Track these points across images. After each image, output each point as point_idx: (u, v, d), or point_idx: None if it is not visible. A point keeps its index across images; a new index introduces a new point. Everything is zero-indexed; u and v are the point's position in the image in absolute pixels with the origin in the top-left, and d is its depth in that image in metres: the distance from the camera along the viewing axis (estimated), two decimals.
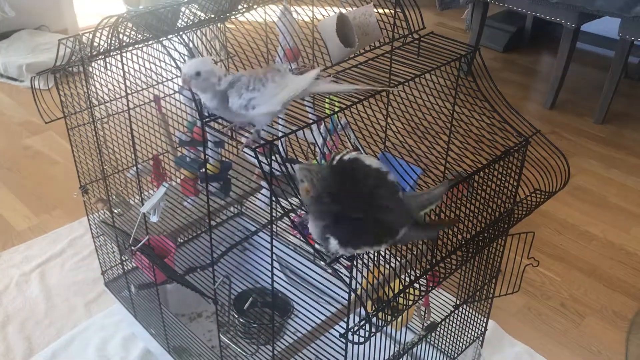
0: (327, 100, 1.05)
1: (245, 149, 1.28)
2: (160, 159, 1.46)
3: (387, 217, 0.83)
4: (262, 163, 0.86)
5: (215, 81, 0.89)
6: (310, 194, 0.82)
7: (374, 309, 0.88)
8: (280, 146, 1.02)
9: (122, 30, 1.15)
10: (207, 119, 0.95)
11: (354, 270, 0.84)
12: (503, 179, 1.08)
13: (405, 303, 0.93)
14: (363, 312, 0.86)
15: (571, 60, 2.77)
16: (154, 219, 1.20)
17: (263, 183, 1.28)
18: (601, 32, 3.08)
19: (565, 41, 2.70)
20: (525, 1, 2.70)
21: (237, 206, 1.79)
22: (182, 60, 0.98)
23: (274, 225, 1.66)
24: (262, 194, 1.30)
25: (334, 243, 0.81)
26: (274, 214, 0.95)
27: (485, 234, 1.07)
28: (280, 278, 1.09)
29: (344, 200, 0.82)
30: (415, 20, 1.15)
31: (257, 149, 0.86)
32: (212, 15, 1.18)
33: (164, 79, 1.31)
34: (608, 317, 1.78)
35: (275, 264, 1.03)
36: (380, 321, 0.91)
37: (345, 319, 0.90)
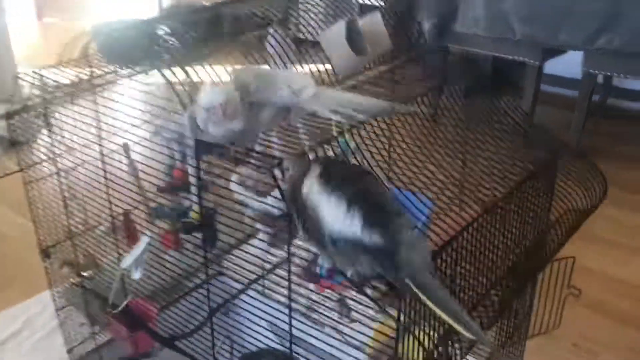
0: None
1: (234, 185, 1.14)
2: (131, 216, 1.29)
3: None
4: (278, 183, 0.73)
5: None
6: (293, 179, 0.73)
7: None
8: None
9: (92, 62, 1.01)
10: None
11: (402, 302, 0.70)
12: (535, 200, 0.97)
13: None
14: None
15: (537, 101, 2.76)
16: (136, 275, 1.03)
17: (259, 226, 1.13)
18: (563, 73, 3.11)
19: (529, 80, 2.69)
20: (487, 42, 2.69)
21: (217, 264, 1.61)
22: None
23: (263, 282, 1.50)
24: (257, 238, 1.14)
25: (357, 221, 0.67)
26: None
27: (524, 264, 0.94)
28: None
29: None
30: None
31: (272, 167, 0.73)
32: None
33: (143, 121, 1.16)
34: (623, 354, 1.67)
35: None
36: None
37: None
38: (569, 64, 2.89)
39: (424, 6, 2.73)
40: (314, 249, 0.73)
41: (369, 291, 0.73)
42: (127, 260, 1.02)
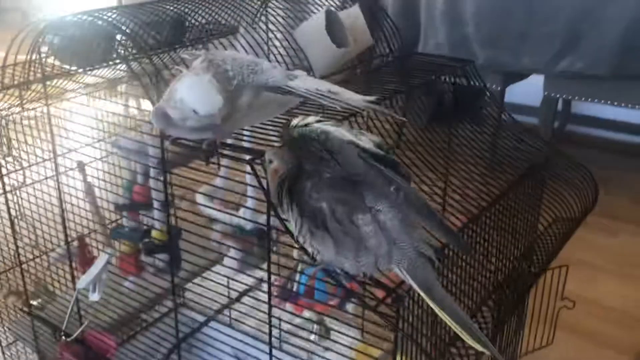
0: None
1: (201, 199, 1.05)
2: (86, 240, 1.19)
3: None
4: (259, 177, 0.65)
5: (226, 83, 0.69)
6: (279, 173, 0.66)
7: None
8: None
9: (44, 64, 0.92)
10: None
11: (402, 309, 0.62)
12: (521, 208, 0.91)
13: None
14: None
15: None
16: (94, 297, 0.92)
17: (230, 243, 1.04)
18: (522, 101, 3.13)
19: (491, 106, 2.69)
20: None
21: (179, 294, 1.50)
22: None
23: (227, 313, 1.39)
24: (227, 256, 1.05)
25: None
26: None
27: (516, 276, 0.88)
28: None
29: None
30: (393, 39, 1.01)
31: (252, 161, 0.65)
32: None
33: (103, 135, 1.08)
34: None
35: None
36: None
37: None
38: (527, 91, 2.92)
39: None
40: (309, 245, 0.65)
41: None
42: (84, 280, 0.91)
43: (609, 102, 2.43)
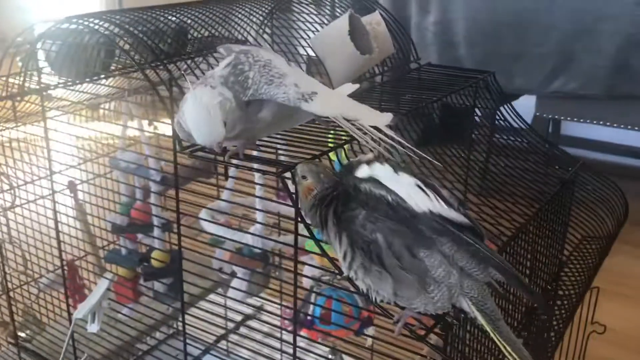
0: (331, 133, 0.79)
1: (204, 222, 0.98)
2: (76, 264, 1.11)
3: None
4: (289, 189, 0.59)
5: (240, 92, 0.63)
6: (314, 192, 0.59)
7: None
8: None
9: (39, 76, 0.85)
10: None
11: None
12: (552, 228, 0.86)
13: None
14: None
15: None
16: (93, 328, 0.85)
17: (235, 268, 0.97)
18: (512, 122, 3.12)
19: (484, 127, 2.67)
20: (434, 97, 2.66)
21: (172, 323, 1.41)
22: None
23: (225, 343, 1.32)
24: (231, 287, 0.97)
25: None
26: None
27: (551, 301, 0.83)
28: None
29: None
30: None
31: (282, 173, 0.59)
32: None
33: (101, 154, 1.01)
34: None
35: None
36: None
37: None
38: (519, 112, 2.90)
39: None
40: (362, 282, 0.58)
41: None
42: (83, 309, 0.83)
43: (601, 122, 2.42)
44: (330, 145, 0.79)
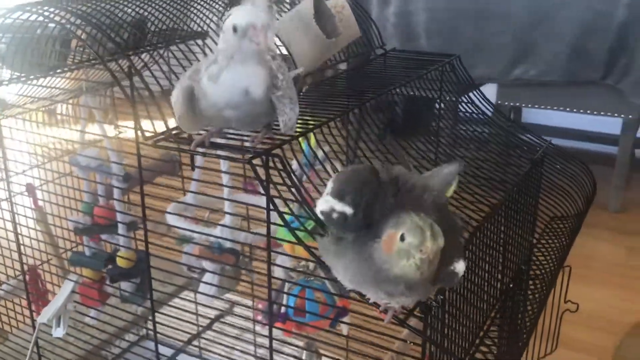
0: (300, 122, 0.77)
1: (171, 218, 0.95)
2: (38, 270, 1.07)
3: None
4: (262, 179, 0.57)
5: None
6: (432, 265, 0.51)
7: None
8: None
9: None
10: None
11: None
12: (522, 211, 0.86)
13: None
14: None
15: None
16: (58, 332, 0.81)
17: (206, 264, 0.94)
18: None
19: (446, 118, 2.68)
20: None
21: (143, 325, 1.38)
22: None
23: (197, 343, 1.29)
24: (209, 273, 0.95)
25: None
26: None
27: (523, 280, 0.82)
28: None
29: None
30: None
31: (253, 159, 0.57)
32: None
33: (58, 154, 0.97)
34: None
35: None
36: None
37: None
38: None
39: None
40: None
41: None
42: (47, 312, 0.80)
43: (561, 108, 2.46)
44: (298, 131, 0.77)
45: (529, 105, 2.54)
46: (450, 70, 0.92)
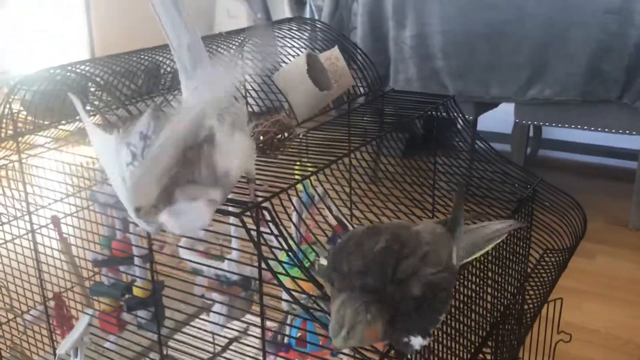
0: (297, 165, 0.83)
1: (184, 251, 1.01)
2: (63, 297, 1.14)
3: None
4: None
5: None
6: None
7: None
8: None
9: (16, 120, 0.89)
10: None
11: None
12: (513, 243, 0.90)
13: None
14: None
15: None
16: None
17: (215, 295, 1.00)
18: (494, 128, 3.16)
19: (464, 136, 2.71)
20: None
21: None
22: None
23: None
24: (212, 311, 1.01)
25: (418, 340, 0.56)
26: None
27: (513, 313, 0.86)
28: None
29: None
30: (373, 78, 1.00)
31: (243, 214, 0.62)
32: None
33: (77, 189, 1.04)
34: None
35: None
36: None
37: None
38: (499, 119, 2.96)
39: None
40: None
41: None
42: (65, 344, 0.86)
43: (578, 126, 2.47)
44: (297, 177, 0.83)
45: (547, 124, 2.55)
46: (444, 111, 0.96)
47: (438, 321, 0.58)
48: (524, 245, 0.93)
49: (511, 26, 2.36)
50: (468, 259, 0.67)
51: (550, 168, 3.21)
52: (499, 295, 0.85)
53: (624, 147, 3.11)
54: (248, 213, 0.63)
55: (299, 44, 1.02)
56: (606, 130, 2.44)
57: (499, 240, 0.67)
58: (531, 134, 3.08)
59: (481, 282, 0.81)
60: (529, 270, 0.93)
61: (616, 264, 2.24)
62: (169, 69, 1.05)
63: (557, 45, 2.30)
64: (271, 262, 0.73)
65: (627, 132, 2.38)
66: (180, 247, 1.03)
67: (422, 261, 0.58)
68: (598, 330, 1.89)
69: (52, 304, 1.10)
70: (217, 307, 1.03)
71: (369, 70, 0.99)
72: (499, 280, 0.85)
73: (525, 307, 0.88)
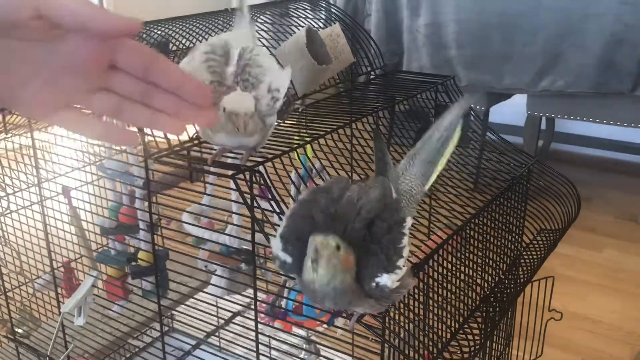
0: (297, 137, 0.85)
1: (185, 221, 1.04)
2: (72, 266, 1.18)
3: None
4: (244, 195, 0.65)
5: None
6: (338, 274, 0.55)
7: None
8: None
9: None
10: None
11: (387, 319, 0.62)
12: (506, 220, 0.92)
13: None
14: None
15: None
16: (79, 321, 0.91)
17: (216, 266, 1.03)
18: (507, 120, 3.16)
19: (475, 126, 2.72)
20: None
21: (168, 318, 1.49)
22: None
23: (217, 337, 1.38)
24: (212, 284, 1.04)
25: (385, 277, 0.57)
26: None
27: (503, 288, 0.88)
28: None
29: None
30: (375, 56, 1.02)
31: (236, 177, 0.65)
32: None
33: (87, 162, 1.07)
34: None
35: None
36: None
37: None
38: (511, 111, 2.95)
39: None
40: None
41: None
42: (69, 303, 0.90)
43: (590, 119, 2.46)
44: (296, 142, 0.85)
45: (558, 116, 2.55)
46: (443, 91, 0.98)
47: (401, 251, 0.58)
48: (518, 224, 0.95)
49: (526, 16, 2.36)
50: (433, 176, 0.68)
51: (562, 161, 3.20)
52: (491, 271, 0.87)
53: (635, 142, 3.10)
54: (241, 176, 0.66)
55: (313, 24, 1.05)
56: (618, 123, 2.43)
57: (457, 137, 0.67)
58: (544, 127, 3.08)
59: (472, 254, 0.83)
60: (521, 249, 0.95)
61: (623, 257, 2.25)
62: (180, 45, 1.08)
63: (570, 36, 2.30)
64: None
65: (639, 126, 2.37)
66: (186, 211, 1.06)
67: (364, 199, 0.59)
68: (601, 321, 1.90)
69: (62, 271, 1.14)
70: (214, 279, 1.06)
71: (372, 48, 1.01)
72: (492, 255, 0.87)
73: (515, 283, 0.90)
